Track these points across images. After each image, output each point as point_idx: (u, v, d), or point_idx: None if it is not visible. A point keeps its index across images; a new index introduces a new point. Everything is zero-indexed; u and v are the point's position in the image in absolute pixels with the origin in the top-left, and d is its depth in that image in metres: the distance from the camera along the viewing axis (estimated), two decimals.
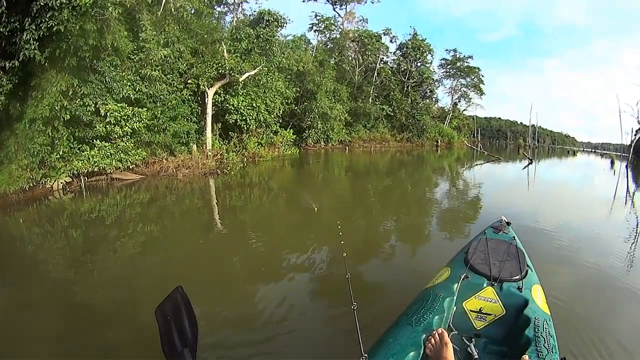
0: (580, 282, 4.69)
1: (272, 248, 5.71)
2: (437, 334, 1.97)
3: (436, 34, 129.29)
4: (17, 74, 7.63)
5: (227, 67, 16.34)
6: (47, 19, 7.12)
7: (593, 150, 55.40)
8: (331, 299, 3.91)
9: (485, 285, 2.58)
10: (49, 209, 8.14)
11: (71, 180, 9.85)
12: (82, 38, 7.73)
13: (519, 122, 70.78)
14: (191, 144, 14.94)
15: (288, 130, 23.91)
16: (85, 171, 10.22)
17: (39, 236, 6.38)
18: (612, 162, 29.03)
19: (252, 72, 17.54)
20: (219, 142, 17.55)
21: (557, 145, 64.51)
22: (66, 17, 7.25)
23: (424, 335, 2.04)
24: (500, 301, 2.48)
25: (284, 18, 20.55)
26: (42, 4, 6.90)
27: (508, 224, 3.73)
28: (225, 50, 16.89)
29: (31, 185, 8.60)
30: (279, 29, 20.72)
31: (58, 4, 7.01)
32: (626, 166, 25.74)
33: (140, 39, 12.60)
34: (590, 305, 4.01)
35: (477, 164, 22.72)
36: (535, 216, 8.09)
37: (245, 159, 17.75)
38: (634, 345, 3.23)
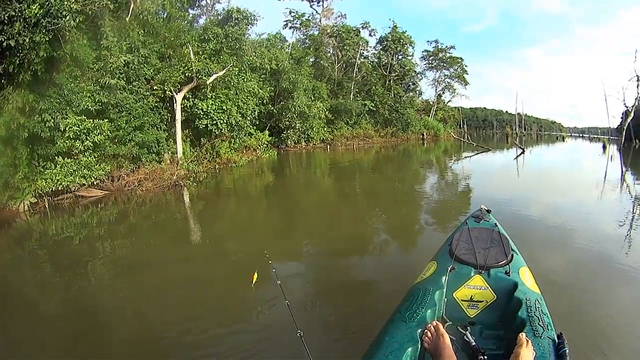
0: (572, 261, 5.03)
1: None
2: (432, 327, 2.08)
3: (417, 27, 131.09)
4: None
5: (194, 70, 16.35)
6: None
7: (580, 135, 56.68)
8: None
9: (472, 274, 2.72)
10: (15, 231, 8.19)
11: (37, 200, 9.79)
12: (34, 50, 7.67)
13: (504, 111, 72.52)
14: (163, 153, 14.93)
15: (264, 132, 23.92)
16: (50, 190, 10.16)
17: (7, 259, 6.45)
18: (604, 146, 29.80)
19: (220, 73, 17.55)
20: (190, 150, 17.49)
21: (544, 132, 65.86)
22: (17, 31, 7.23)
23: (419, 330, 2.13)
24: (489, 287, 2.62)
25: (253, 15, 20.58)
26: None
27: (488, 211, 3.92)
28: (191, 53, 16.88)
29: None
30: (249, 27, 20.75)
31: (7, 17, 7.00)
32: (619, 149, 26.51)
33: (102, 46, 12.53)
34: (583, 283, 4.32)
35: (466, 157, 23.00)
36: (528, 203, 8.64)
37: (216, 166, 17.67)
38: (625, 321, 3.51)
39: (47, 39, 7.95)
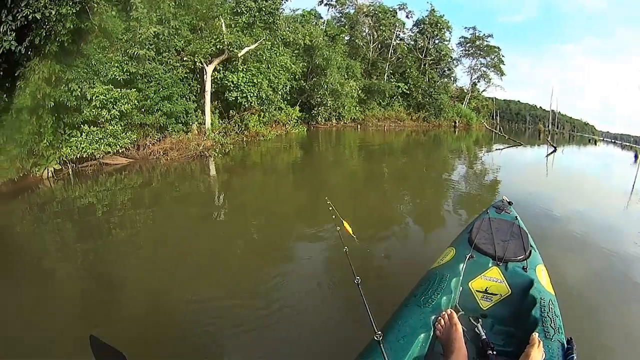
0: (589, 267, 4.97)
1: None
2: (446, 315, 2.09)
3: (454, 14, 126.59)
4: (1, 65, 8.02)
5: (225, 43, 16.46)
6: (22, 8, 7.43)
7: (612, 140, 53.98)
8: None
9: (490, 265, 2.72)
10: (38, 197, 8.66)
11: (61, 167, 10.24)
12: (60, 22, 7.95)
13: (538, 107, 70.18)
14: (191, 124, 15.30)
15: (294, 107, 23.99)
16: (74, 157, 10.61)
17: (29, 225, 6.83)
18: (636, 156, 28.37)
19: (252, 47, 17.63)
20: (218, 121, 17.83)
21: (576, 132, 63.29)
22: (42, 4, 7.53)
23: (433, 317, 2.13)
24: (505, 281, 2.61)
25: None
26: None
27: (510, 203, 3.91)
28: (223, 25, 16.99)
29: (21, 175, 9.00)
30: (283, 2, 20.45)
31: None
32: None
33: (132, 17, 12.75)
34: (598, 291, 4.28)
35: (497, 149, 22.48)
36: (553, 203, 8.50)
37: (244, 139, 17.99)
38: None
39: (74, 11, 8.18)
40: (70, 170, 10.35)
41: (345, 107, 29.24)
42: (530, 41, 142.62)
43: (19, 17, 7.48)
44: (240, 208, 7.97)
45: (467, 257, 2.76)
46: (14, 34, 7.62)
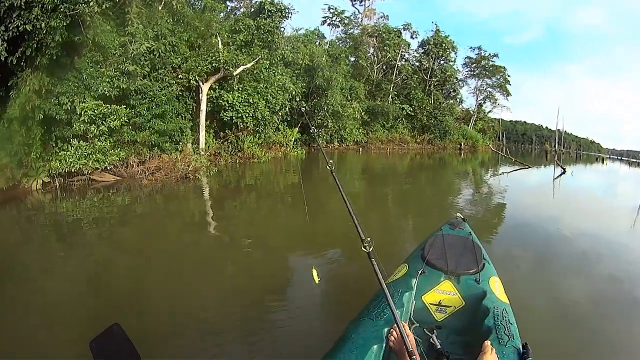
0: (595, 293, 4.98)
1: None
2: (398, 327, 2.17)
3: (459, 34, 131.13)
4: None
5: (221, 60, 16.84)
6: (14, 19, 7.80)
7: (619, 157, 54.58)
8: None
9: (442, 279, 2.84)
10: (26, 208, 8.96)
11: (49, 180, 10.52)
12: (49, 35, 8.31)
13: (544, 127, 71.89)
14: (186, 143, 15.50)
15: (292, 129, 24.23)
16: (63, 171, 10.86)
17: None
18: None
19: (248, 65, 18.00)
20: (213, 141, 18.04)
21: (582, 151, 64.03)
22: (34, 16, 7.90)
23: (386, 329, 2.19)
24: (458, 293, 2.75)
25: (287, 8, 20.83)
26: (7, 4, 7.58)
27: (464, 220, 4.08)
28: (220, 43, 17.43)
29: (10, 185, 9.31)
30: (282, 20, 20.99)
31: (24, 3, 7.67)
32: None
33: (126, 32, 13.14)
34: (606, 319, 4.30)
35: (503, 172, 22.44)
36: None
37: (238, 160, 18.14)
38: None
39: (64, 24, 8.55)
40: (57, 184, 10.57)
41: (347, 129, 29.56)
42: (534, 61, 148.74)
43: (11, 28, 7.82)
44: (214, 239, 7.47)
45: (420, 272, 2.90)
46: (5, 44, 7.94)
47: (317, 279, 2.85)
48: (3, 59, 8.06)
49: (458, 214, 4.21)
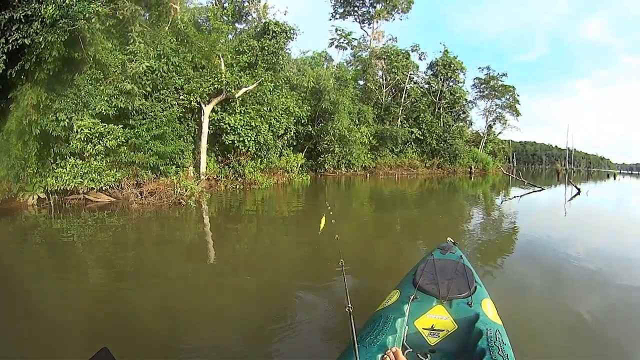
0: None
1: None
2: (391, 353, 2.14)
3: (468, 56, 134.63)
4: None
5: (223, 82, 17.02)
6: (14, 32, 8.05)
7: (629, 171, 54.98)
8: None
9: (434, 304, 2.92)
10: (21, 223, 9.03)
11: (45, 197, 10.64)
12: (47, 50, 8.55)
13: (554, 146, 73.32)
14: (188, 166, 15.56)
15: (297, 154, 23.99)
16: (59, 188, 10.95)
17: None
18: None
19: (250, 87, 18.17)
20: (214, 165, 18.11)
21: (592, 168, 64.36)
22: (34, 30, 8.15)
23: (379, 356, 2.26)
24: (451, 317, 2.80)
25: (292, 29, 21.17)
26: (7, 17, 7.84)
27: (454, 244, 4.15)
28: (222, 64, 17.71)
29: (6, 197, 9.51)
30: (287, 41, 21.31)
31: (24, 16, 7.93)
32: None
33: (127, 51, 13.38)
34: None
35: (515, 196, 22.03)
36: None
37: (238, 186, 17.96)
38: None
39: (62, 40, 8.80)
40: (52, 201, 10.66)
41: (354, 155, 29.46)
42: (542, 78, 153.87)
43: (10, 41, 8.06)
44: (205, 265, 7.06)
45: (411, 297, 2.97)
46: (4, 57, 8.17)
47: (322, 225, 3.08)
48: (1, 71, 8.27)
49: (449, 238, 4.30)
